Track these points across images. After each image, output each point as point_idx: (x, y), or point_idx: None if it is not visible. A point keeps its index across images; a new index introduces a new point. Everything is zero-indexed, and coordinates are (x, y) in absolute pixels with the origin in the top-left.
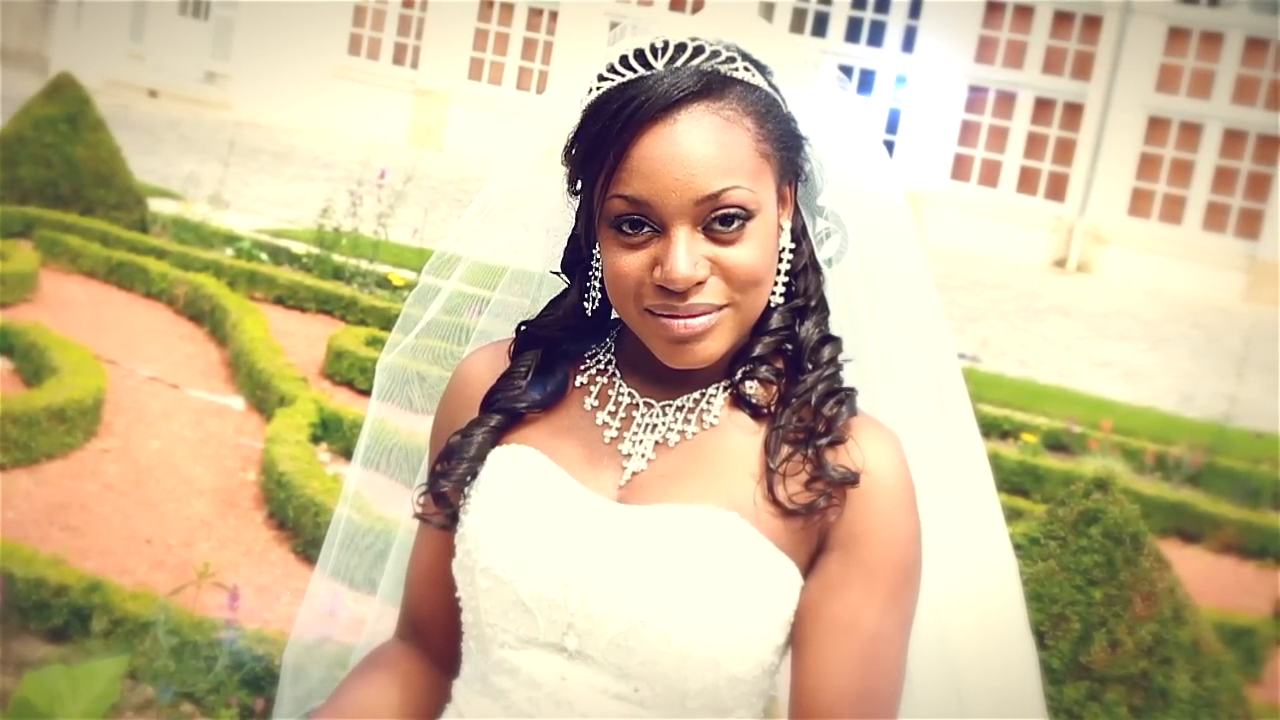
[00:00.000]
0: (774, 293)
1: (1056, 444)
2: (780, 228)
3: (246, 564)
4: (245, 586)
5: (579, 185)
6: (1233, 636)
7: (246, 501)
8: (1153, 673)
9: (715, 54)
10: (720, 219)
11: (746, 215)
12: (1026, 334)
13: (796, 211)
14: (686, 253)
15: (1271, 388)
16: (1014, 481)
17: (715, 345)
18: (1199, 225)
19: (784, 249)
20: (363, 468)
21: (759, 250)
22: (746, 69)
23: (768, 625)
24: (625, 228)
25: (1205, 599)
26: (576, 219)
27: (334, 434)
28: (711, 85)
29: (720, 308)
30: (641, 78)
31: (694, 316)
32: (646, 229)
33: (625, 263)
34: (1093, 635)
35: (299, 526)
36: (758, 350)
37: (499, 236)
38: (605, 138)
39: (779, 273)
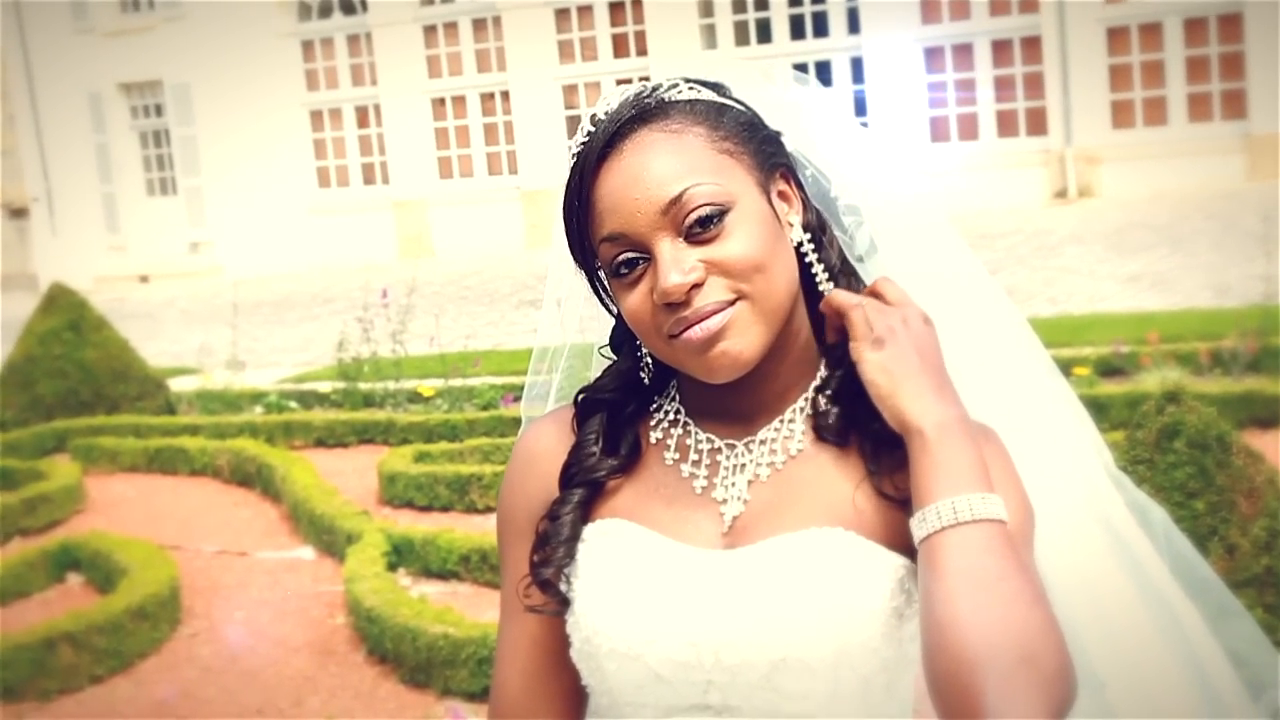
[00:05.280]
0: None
1: (1110, 369)
2: (788, 224)
3: (359, 707)
4: None
5: (582, 254)
6: None
7: (343, 646)
8: (1276, 567)
9: (658, 86)
10: (697, 221)
11: (720, 209)
12: (1049, 271)
13: (806, 207)
14: (672, 262)
15: None
16: None
17: (743, 341)
18: (1185, 120)
19: (799, 242)
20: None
21: (748, 238)
22: (691, 88)
23: (899, 627)
24: (622, 269)
25: None
26: (594, 289)
27: (408, 557)
28: (649, 110)
29: (731, 302)
30: (592, 130)
31: (705, 318)
32: (640, 263)
33: (634, 301)
34: (1207, 546)
35: (400, 656)
36: (822, 368)
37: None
38: (572, 194)
39: (806, 263)
